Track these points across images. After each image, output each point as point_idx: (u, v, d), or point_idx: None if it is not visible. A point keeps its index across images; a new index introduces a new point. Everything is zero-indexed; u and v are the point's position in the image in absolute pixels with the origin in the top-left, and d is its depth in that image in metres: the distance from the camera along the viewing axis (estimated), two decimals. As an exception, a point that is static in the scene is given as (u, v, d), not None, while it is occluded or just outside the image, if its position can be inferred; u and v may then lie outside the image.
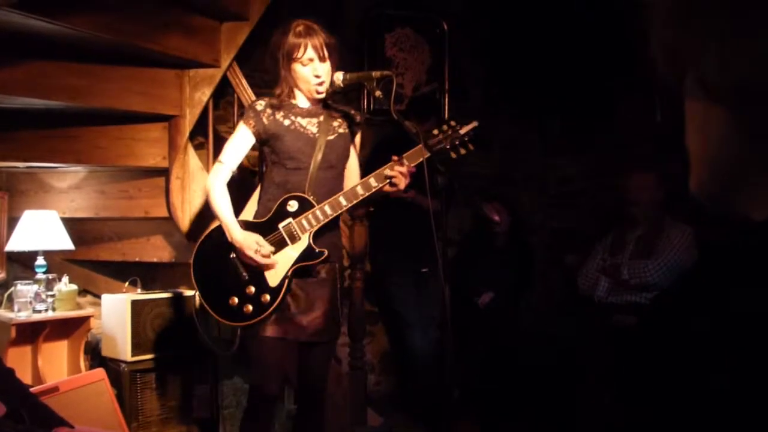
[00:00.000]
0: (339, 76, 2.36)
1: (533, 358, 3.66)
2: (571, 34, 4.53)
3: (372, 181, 2.31)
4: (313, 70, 2.30)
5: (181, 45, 3.02)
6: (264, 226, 2.29)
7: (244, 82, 3.28)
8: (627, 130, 4.31)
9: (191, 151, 3.23)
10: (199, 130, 3.36)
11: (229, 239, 2.25)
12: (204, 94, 3.20)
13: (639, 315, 3.38)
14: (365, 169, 3.97)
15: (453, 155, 2.36)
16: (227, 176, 2.33)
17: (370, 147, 4.15)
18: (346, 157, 2.45)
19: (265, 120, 2.31)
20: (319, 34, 2.30)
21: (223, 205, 2.29)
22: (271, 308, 2.24)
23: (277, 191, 2.31)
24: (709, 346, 2.81)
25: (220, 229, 2.30)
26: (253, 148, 2.43)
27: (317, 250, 2.29)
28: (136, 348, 3.15)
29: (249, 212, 2.50)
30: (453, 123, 2.38)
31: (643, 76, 3.89)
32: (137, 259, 3.48)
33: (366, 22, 4.46)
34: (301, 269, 2.29)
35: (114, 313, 3.22)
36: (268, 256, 2.24)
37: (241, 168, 2.57)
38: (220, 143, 3.65)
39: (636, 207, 3.57)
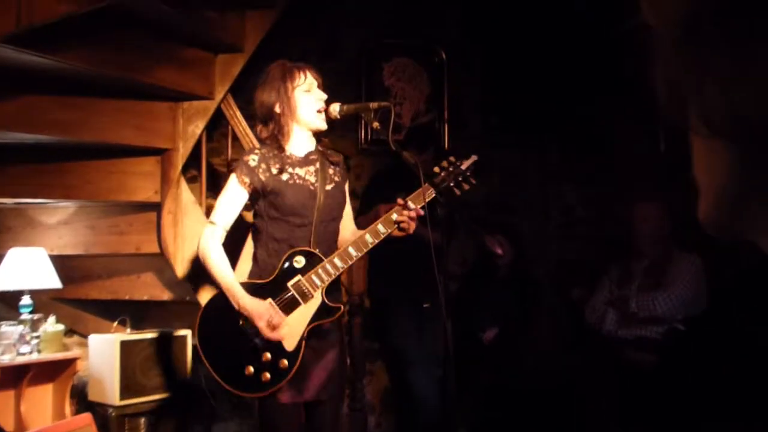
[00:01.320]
0: (336, 108, 2.39)
1: (539, 395, 3.63)
2: (570, 60, 4.60)
3: (380, 228, 2.31)
4: (317, 96, 2.32)
5: (174, 78, 3.07)
6: (271, 287, 2.24)
7: (238, 113, 3.32)
8: (630, 157, 4.35)
9: (184, 185, 3.26)
10: (192, 163, 3.39)
11: (237, 307, 2.19)
12: (197, 127, 3.24)
13: (653, 350, 3.36)
14: (362, 201, 4.02)
15: (457, 192, 2.39)
16: (222, 238, 2.28)
17: (368, 178, 4.18)
18: (344, 205, 2.45)
19: (261, 176, 2.27)
20: (307, 65, 2.36)
21: (224, 271, 2.23)
22: (291, 374, 2.20)
23: (280, 247, 2.27)
24: (732, 384, 2.80)
25: (223, 296, 2.22)
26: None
27: (332, 306, 2.26)
28: (125, 391, 3.12)
29: (242, 269, 2.41)
30: (453, 159, 2.42)
31: (646, 103, 3.94)
32: (127, 297, 3.47)
33: (363, 51, 4.54)
34: (317, 327, 2.26)
35: (102, 354, 3.20)
36: (280, 326, 2.19)
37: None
38: (213, 176, 3.69)
39: (642, 237, 3.58)
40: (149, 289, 3.44)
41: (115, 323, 3.42)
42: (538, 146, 5.01)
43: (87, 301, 3.63)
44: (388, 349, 4.19)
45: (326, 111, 2.37)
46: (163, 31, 2.97)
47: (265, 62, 4.20)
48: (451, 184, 2.38)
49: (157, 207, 3.25)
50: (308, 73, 2.32)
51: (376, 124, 2.34)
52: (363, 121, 4.47)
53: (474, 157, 2.43)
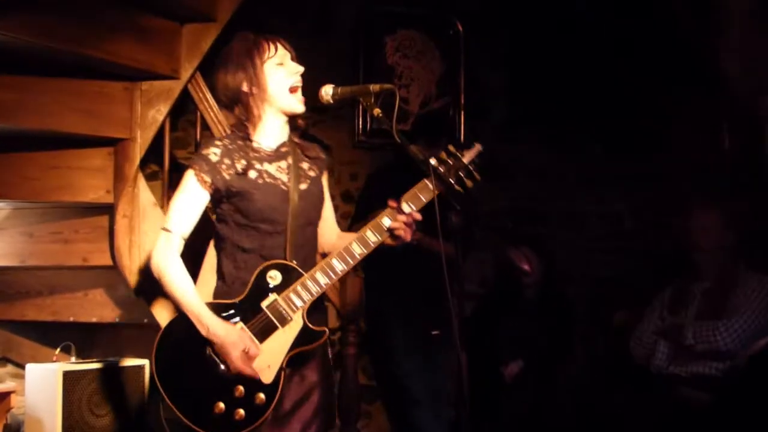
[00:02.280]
0: (328, 91, 2.38)
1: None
2: (616, 38, 4.59)
3: (369, 235, 2.30)
4: (290, 70, 2.32)
5: (131, 52, 3.06)
6: (241, 308, 2.23)
7: (209, 96, 3.31)
8: (688, 156, 4.33)
9: (142, 182, 3.25)
10: (152, 156, 3.38)
11: (204, 334, 2.17)
12: (159, 112, 3.23)
13: (711, 391, 3.34)
14: (359, 205, 4.01)
15: (459, 189, 2.38)
16: (180, 248, 2.26)
17: (366, 177, 4.17)
18: (322, 205, 2.45)
19: (225, 174, 2.26)
20: (281, 38, 2.36)
21: (186, 289, 2.21)
22: (269, 410, 2.20)
23: (249, 258, 2.27)
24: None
25: (184, 318, 2.21)
26: None
27: (316, 331, 2.26)
28: (69, 432, 3.09)
29: (205, 285, 2.37)
30: (452, 149, 2.41)
31: (707, 91, 3.93)
32: (71, 319, 3.46)
33: (361, 23, 4.53)
34: (297, 355, 2.26)
35: (41, 387, 3.19)
36: (254, 357, 2.18)
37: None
38: (178, 172, 3.67)
39: (701, 253, 3.57)
40: (98, 309, 3.43)
41: (57, 350, 3.41)
42: (575, 142, 4.99)
43: (23, 324, 3.62)
44: (389, 386, 4.17)
45: (320, 96, 2.37)
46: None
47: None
48: (452, 180, 2.37)
49: (109, 209, 3.24)
50: (278, 45, 2.32)
51: (377, 111, 2.32)
52: (361, 108, 4.46)
53: (478, 147, 2.41)
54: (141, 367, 3.33)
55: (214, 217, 2.36)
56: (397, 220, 2.28)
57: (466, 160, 2.40)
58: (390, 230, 2.30)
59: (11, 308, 3.57)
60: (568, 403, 4.07)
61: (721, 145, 4.12)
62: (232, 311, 2.23)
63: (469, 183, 2.39)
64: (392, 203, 2.30)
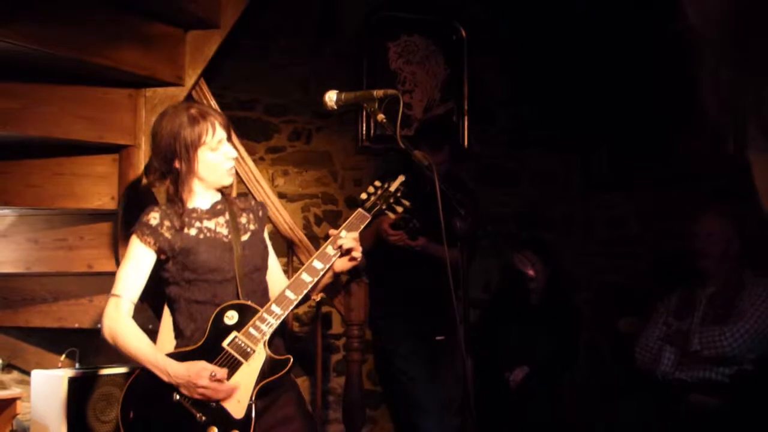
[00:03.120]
0: (332, 96, 2.40)
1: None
2: (619, 42, 4.59)
3: (316, 263, 2.40)
4: (225, 153, 2.40)
5: (136, 59, 3.06)
6: (202, 352, 2.28)
7: (213, 103, 3.32)
8: (692, 160, 4.32)
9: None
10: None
11: (167, 380, 2.23)
12: (163, 119, 3.23)
13: (719, 396, 3.33)
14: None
15: (391, 215, 2.59)
16: (130, 312, 2.33)
17: (369, 184, 4.17)
18: (267, 255, 2.54)
19: (167, 235, 2.35)
20: (217, 112, 2.47)
21: (142, 346, 2.28)
22: None
23: (204, 309, 2.34)
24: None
25: (147, 373, 2.27)
26: None
27: (280, 359, 2.32)
28: (75, 439, 3.10)
29: (165, 349, 2.41)
30: (377, 183, 2.57)
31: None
32: (77, 326, 3.45)
33: (364, 28, 4.54)
34: (265, 387, 2.31)
35: (47, 394, 3.19)
36: (224, 379, 2.24)
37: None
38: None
39: (707, 258, 3.56)
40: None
41: (63, 356, 3.41)
42: (581, 146, 4.99)
43: (28, 330, 3.62)
44: (394, 392, 4.17)
45: (324, 102, 2.43)
46: (122, 0, 2.97)
47: (246, 41, 4.25)
48: (384, 207, 2.53)
49: (113, 216, 3.24)
50: (216, 125, 2.39)
51: (381, 116, 2.35)
52: (364, 113, 4.47)
53: (401, 177, 2.56)
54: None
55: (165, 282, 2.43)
56: (342, 239, 2.41)
57: (392, 188, 2.54)
58: (339, 250, 2.42)
59: (16, 315, 3.57)
60: (574, 410, 4.06)
61: (725, 148, 4.10)
62: (193, 357, 2.27)
63: (399, 209, 2.56)
64: (332, 231, 2.45)
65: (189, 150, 2.34)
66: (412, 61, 4.65)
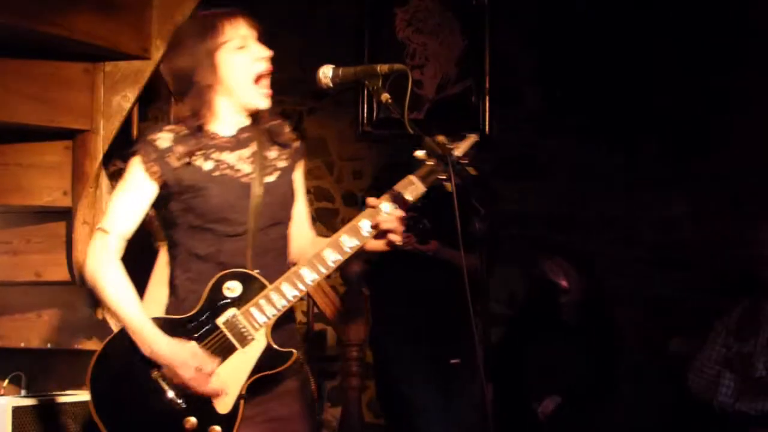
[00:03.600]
0: (327, 72, 2.37)
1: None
2: (671, 14, 4.57)
3: (345, 239, 2.27)
4: (255, 53, 2.30)
5: (93, 27, 3.06)
6: (194, 324, 2.22)
7: (186, 80, 3.32)
8: (757, 154, 4.32)
9: (105, 182, 3.25)
10: (117, 151, 3.38)
11: (147, 353, 2.17)
12: (126, 99, 3.23)
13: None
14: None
15: (449, 187, 2.32)
16: (120, 251, 2.25)
17: (372, 176, 4.17)
18: (292, 202, 2.42)
19: (174, 163, 2.24)
20: (244, 13, 2.33)
21: (125, 300, 2.20)
22: None
23: (205, 268, 2.26)
24: None
25: (124, 337, 2.20)
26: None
27: (282, 351, 2.25)
28: (19, 480, 3.12)
29: (154, 300, 2.38)
30: (441, 139, 2.39)
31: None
32: (23, 345, 3.47)
33: (367, -9, 4.54)
34: (260, 381, 2.26)
35: (-15, 426, 3.20)
36: (211, 374, 2.19)
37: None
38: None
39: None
40: (54, 333, 3.43)
41: (5, 381, 3.43)
42: (625, 136, 4.98)
43: (-35, 350, 3.63)
44: (400, 424, 4.17)
45: (318, 79, 2.36)
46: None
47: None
48: (442, 176, 2.33)
49: (66, 215, 3.25)
50: (240, 23, 2.30)
51: (385, 96, 2.32)
52: (366, 92, 4.46)
53: (472, 137, 2.38)
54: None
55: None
56: (377, 221, 2.27)
57: (458, 152, 2.39)
58: (374, 227, 2.27)
59: (-50, 332, 3.59)
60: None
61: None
62: (182, 328, 2.22)
63: (458, 180, 2.34)
64: (371, 202, 2.29)
65: (209, 52, 2.25)
66: (424, 30, 4.64)
